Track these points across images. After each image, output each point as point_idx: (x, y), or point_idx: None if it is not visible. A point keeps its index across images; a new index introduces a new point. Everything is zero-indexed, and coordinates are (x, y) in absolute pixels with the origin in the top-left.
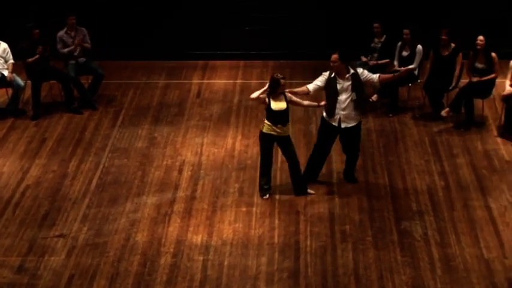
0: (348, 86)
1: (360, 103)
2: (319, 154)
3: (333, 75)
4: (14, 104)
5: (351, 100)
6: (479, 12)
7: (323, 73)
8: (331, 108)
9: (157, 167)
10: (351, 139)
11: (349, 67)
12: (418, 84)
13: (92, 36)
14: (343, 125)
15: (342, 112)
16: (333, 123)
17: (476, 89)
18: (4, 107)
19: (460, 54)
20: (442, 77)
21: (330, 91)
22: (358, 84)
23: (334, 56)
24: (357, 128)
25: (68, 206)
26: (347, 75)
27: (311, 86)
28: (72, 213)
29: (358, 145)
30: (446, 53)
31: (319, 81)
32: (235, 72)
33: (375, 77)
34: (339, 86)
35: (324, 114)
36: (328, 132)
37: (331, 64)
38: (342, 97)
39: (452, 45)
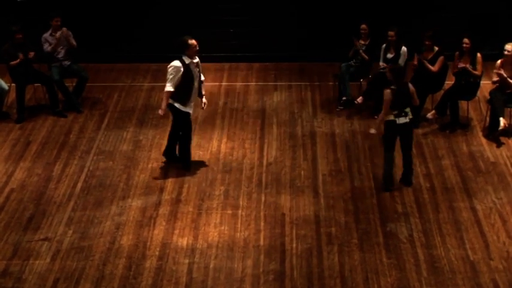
0: (198, 72)
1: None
2: (175, 139)
3: (187, 62)
4: None
5: (198, 85)
6: (465, 12)
7: (174, 65)
8: (188, 95)
9: (143, 170)
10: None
11: None
12: None
13: (77, 39)
14: (191, 110)
15: (193, 98)
16: (189, 110)
17: (461, 91)
18: None
19: (442, 57)
20: (426, 79)
21: (187, 79)
22: (200, 69)
23: (196, 42)
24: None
25: (52, 209)
26: (195, 61)
27: (171, 87)
28: (57, 217)
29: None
30: (430, 56)
31: (177, 76)
32: (220, 75)
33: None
34: (193, 73)
35: (177, 104)
36: (186, 120)
37: (195, 49)
38: (195, 84)
39: (436, 48)
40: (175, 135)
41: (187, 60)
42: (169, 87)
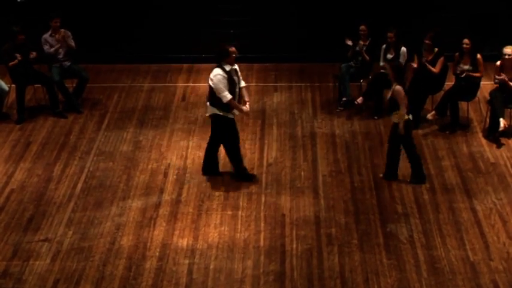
0: (237, 78)
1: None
2: (214, 151)
3: (228, 69)
4: None
5: (239, 91)
6: (465, 13)
7: (219, 73)
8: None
9: (143, 171)
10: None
11: None
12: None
13: (77, 39)
14: (234, 116)
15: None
16: (232, 116)
17: (461, 92)
18: None
19: (443, 58)
20: (426, 80)
21: (229, 86)
22: (239, 75)
23: (235, 49)
24: None
25: (52, 210)
26: (234, 68)
27: (228, 94)
28: (57, 217)
29: None
30: (430, 57)
31: (226, 84)
32: None
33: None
34: (235, 79)
35: (222, 112)
36: (231, 127)
37: (235, 55)
38: (237, 90)
39: (436, 49)
40: (214, 148)
41: (227, 68)
42: (227, 95)
